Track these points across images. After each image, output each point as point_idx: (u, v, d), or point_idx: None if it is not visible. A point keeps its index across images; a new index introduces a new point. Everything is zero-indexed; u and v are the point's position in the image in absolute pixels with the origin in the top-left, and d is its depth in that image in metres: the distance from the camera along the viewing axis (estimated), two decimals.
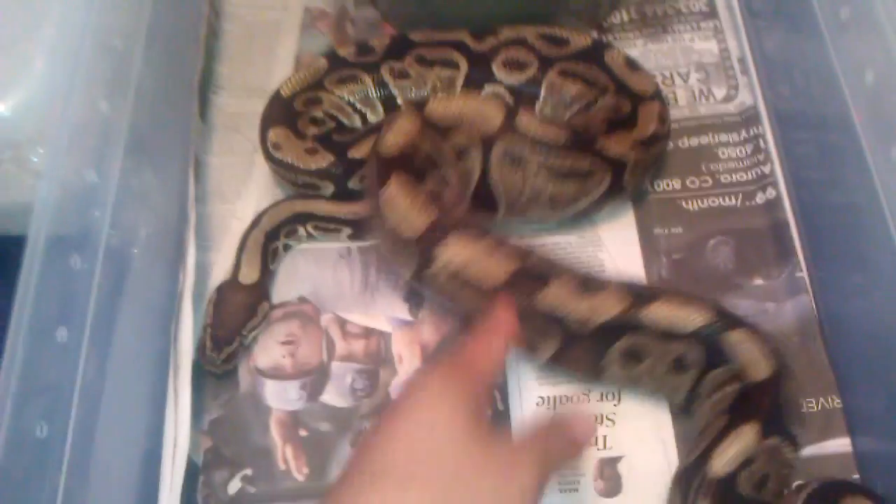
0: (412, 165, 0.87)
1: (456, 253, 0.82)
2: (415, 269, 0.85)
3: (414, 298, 0.94)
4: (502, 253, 0.83)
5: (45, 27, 0.85)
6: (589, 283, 0.82)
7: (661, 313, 0.81)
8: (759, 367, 0.79)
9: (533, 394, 0.89)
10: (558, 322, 0.81)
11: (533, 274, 0.82)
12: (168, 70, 0.98)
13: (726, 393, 0.80)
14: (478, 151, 0.91)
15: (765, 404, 0.78)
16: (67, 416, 0.73)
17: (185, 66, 1.02)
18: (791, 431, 0.79)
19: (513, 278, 0.81)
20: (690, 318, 0.81)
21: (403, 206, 0.83)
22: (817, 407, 0.87)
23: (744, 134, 1.03)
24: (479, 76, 1.03)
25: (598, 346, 0.82)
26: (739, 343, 0.80)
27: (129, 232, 0.87)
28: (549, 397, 0.89)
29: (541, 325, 0.82)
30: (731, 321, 0.81)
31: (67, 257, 0.77)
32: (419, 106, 0.92)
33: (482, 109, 0.91)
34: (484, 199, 0.93)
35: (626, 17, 1.15)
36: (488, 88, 1.03)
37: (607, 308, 0.80)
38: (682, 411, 0.86)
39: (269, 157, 0.98)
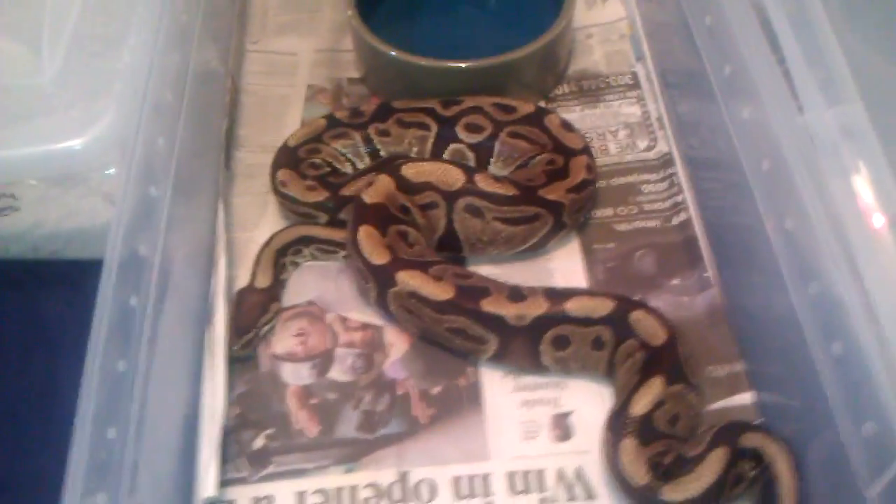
0: (384, 214, 1.11)
1: (411, 276, 1.05)
2: (379, 289, 1.08)
3: None
4: (448, 276, 1.07)
5: (118, 74, 1.09)
6: (519, 292, 1.06)
7: (578, 305, 1.03)
8: (657, 335, 1.01)
9: (502, 381, 1.09)
10: (499, 321, 1.03)
11: (475, 288, 1.06)
12: (202, 130, 1.21)
13: (636, 359, 1.01)
14: (443, 204, 1.14)
15: (666, 361, 0.99)
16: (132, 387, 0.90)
17: (213, 128, 1.27)
18: (690, 380, 1.00)
19: (460, 291, 1.04)
20: (600, 306, 1.04)
21: (371, 245, 1.07)
22: (724, 371, 1.07)
23: (662, 174, 1.27)
24: (445, 136, 1.27)
25: (533, 337, 1.04)
26: (640, 320, 1.03)
27: (172, 251, 1.08)
28: (518, 384, 1.08)
29: (484, 325, 1.04)
30: (631, 304, 1.04)
31: (131, 276, 0.96)
32: (396, 165, 1.15)
33: (447, 171, 1.15)
34: (450, 242, 1.16)
35: (567, 90, 1.40)
36: (453, 146, 1.27)
37: (536, 307, 1.03)
38: (605, 378, 1.06)
39: (277, 192, 1.22)
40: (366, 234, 1.09)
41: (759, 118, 0.97)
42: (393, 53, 1.31)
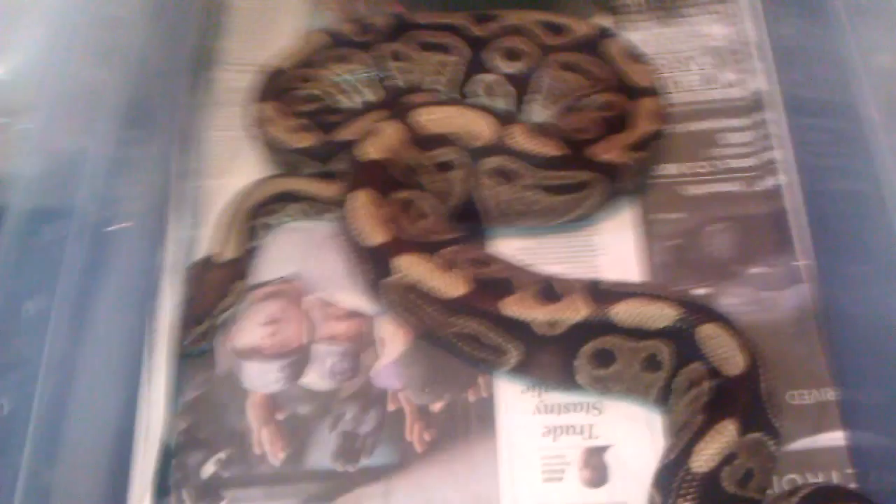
0: (387, 175, 0.87)
1: (413, 263, 0.81)
2: (372, 277, 0.85)
3: None
4: (463, 263, 0.83)
5: None
6: (554, 288, 0.82)
7: (629, 311, 0.79)
8: (733, 361, 0.77)
9: (521, 399, 0.86)
10: (523, 328, 0.79)
11: (495, 281, 0.82)
12: (170, 44, 0.97)
13: (702, 389, 0.78)
14: (465, 164, 0.90)
15: (743, 399, 0.76)
16: (32, 393, 0.72)
17: (185, 42, 1.01)
18: (773, 425, 0.76)
19: (475, 286, 0.80)
20: (659, 314, 0.79)
21: (365, 218, 0.83)
22: (810, 399, 0.84)
23: (751, 119, 1.01)
24: (477, 63, 1.02)
25: (567, 349, 0.81)
26: (711, 338, 0.78)
27: (112, 206, 0.85)
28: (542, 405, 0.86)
29: (505, 331, 0.81)
30: (701, 315, 0.80)
31: (42, 230, 0.76)
32: (408, 108, 0.91)
33: (472, 120, 0.90)
34: (470, 210, 0.92)
35: (636, 0, 1.12)
36: (485, 76, 1.01)
37: (574, 310, 0.79)
38: (656, 408, 0.83)
39: (257, 132, 0.97)
40: (360, 202, 0.84)
41: None
42: None
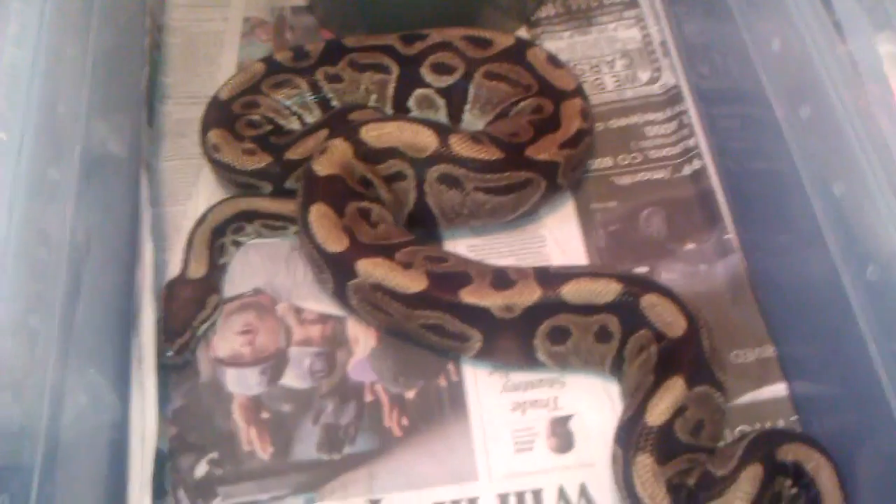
0: (340, 188, 0.93)
1: (374, 265, 0.87)
2: (337, 282, 0.90)
3: None
4: (419, 261, 0.89)
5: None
6: (508, 275, 0.88)
7: (578, 290, 0.86)
8: (676, 324, 0.84)
9: (489, 380, 0.92)
10: (483, 314, 0.86)
11: (453, 274, 0.88)
12: (117, 81, 1.01)
13: (650, 353, 0.85)
14: (412, 175, 0.95)
15: (687, 357, 0.83)
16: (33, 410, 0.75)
17: (132, 77, 1.06)
18: (718, 378, 0.84)
19: (434, 280, 0.86)
20: (605, 289, 0.86)
21: (325, 229, 0.89)
22: (753, 357, 0.91)
23: (669, 112, 1.09)
24: (409, 80, 1.07)
25: (525, 330, 0.87)
26: (654, 305, 0.85)
27: (86, 234, 0.89)
28: (508, 384, 0.92)
29: (466, 319, 0.87)
30: (643, 287, 0.87)
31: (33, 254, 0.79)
32: (354, 127, 0.96)
33: (415, 133, 0.95)
34: (422, 216, 0.97)
35: (552, 11, 1.20)
36: (419, 91, 1.07)
37: (528, 294, 0.85)
38: (612, 376, 0.90)
39: (210, 159, 1.02)
40: (318, 214, 0.90)
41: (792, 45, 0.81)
42: None
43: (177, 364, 0.91)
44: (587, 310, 0.86)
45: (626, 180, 1.04)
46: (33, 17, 0.85)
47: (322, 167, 0.93)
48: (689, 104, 1.08)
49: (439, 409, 0.90)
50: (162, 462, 0.86)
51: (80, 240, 0.85)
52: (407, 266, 0.88)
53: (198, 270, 0.95)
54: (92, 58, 0.93)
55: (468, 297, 0.86)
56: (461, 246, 0.99)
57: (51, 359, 0.77)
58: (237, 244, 1.00)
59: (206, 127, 1.03)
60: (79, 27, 0.93)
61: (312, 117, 1.08)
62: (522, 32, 1.18)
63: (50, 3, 0.87)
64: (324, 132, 1.00)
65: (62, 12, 0.89)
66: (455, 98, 1.06)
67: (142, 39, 1.09)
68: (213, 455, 0.88)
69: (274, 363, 0.93)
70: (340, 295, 0.92)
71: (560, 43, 1.16)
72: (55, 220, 0.82)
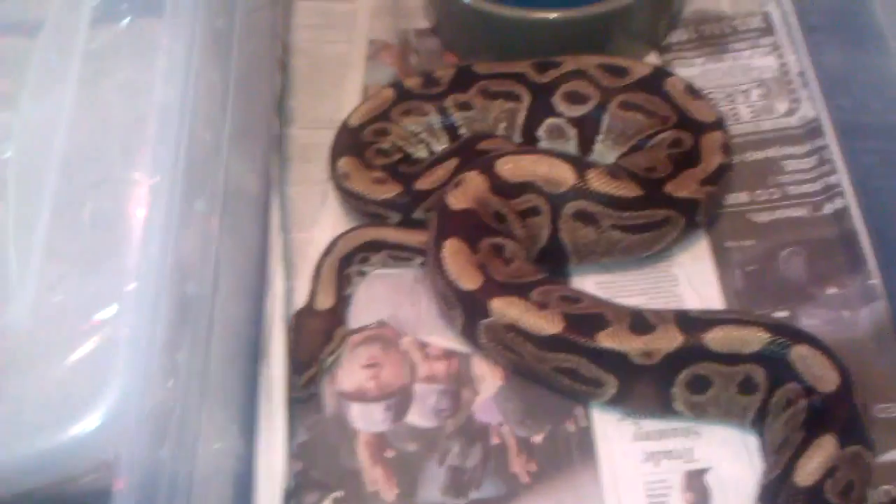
0: (474, 223, 0.91)
1: (509, 305, 0.85)
2: (468, 319, 0.88)
3: None
4: (554, 301, 0.86)
5: None
6: (644, 319, 0.84)
7: (722, 338, 0.82)
8: (827, 378, 0.80)
9: (619, 427, 0.89)
10: (621, 359, 0.82)
11: (589, 316, 0.85)
12: (251, 107, 1.00)
13: (799, 407, 0.80)
14: (547, 210, 0.93)
15: (840, 414, 0.79)
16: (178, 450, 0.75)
17: (264, 102, 1.05)
18: (869, 437, 0.79)
19: (570, 322, 0.84)
20: (751, 338, 0.82)
21: (459, 265, 0.87)
22: None
23: (808, 146, 1.04)
24: (541, 109, 1.04)
25: (664, 377, 0.84)
26: (804, 358, 0.81)
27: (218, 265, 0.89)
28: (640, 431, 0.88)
29: (602, 363, 0.84)
30: (791, 337, 0.82)
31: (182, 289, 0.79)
32: (489, 160, 0.94)
33: (552, 167, 0.93)
34: (553, 252, 0.95)
35: (683, 37, 1.16)
36: (550, 121, 1.04)
37: (668, 340, 0.82)
38: (753, 430, 0.86)
39: (339, 187, 1.01)
40: (452, 250, 0.88)
41: None
42: (469, 1, 1.09)
43: (303, 398, 0.90)
44: (732, 359, 0.82)
45: (763, 217, 0.99)
46: (181, 53, 0.85)
47: (457, 201, 0.91)
48: (830, 138, 1.03)
49: (567, 456, 0.87)
50: (287, 498, 0.85)
51: (219, 271, 0.85)
52: (542, 306, 0.85)
53: (326, 302, 0.94)
54: (233, 86, 0.93)
55: (606, 340, 0.83)
56: (589, 283, 0.96)
57: (192, 394, 0.77)
58: (362, 274, 0.99)
59: (336, 154, 1.02)
60: (221, 57, 0.92)
61: (440, 145, 1.06)
62: (653, 58, 1.14)
63: (198, 38, 0.87)
64: (454, 162, 0.98)
65: (207, 46, 0.89)
66: (587, 128, 1.03)
67: (273, 63, 1.08)
68: (338, 494, 0.86)
69: (399, 399, 0.91)
70: (470, 333, 0.90)
71: (692, 70, 1.12)
72: (200, 253, 0.82)
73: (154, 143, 0.83)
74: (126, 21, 0.92)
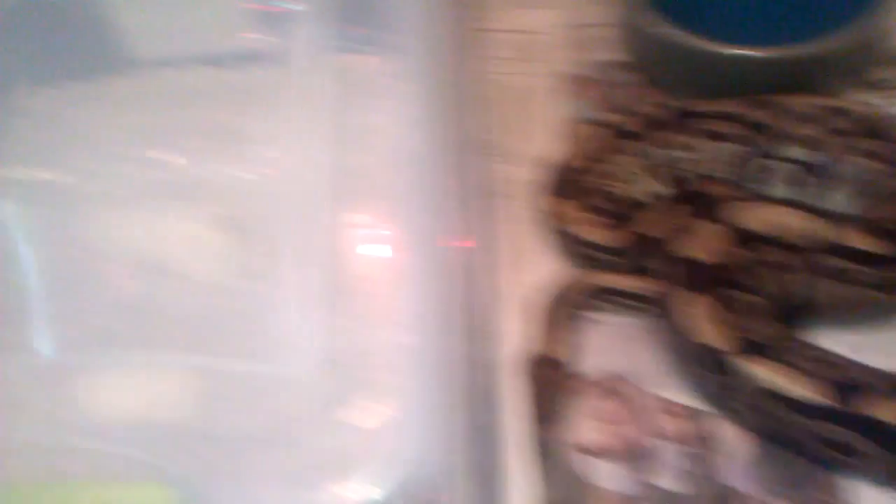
0: (715, 276, 0.85)
1: (768, 369, 0.80)
2: (713, 379, 0.84)
3: None
4: (816, 366, 0.80)
5: None
6: None
7: None
8: None
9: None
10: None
11: (857, 383, 0.79)
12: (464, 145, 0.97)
13: None
14: (799, 265, 0.88)
15: None
16: None
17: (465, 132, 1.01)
18: None
19: (837, 390, 0.78)
20: None
21: (707, 322, 0.82)
22: None
23: None
24: (770, 153, 0.99)
25: None
26: None
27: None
28: None
29: (872, 436, 0.78)
30: None
31: None
32: (730, 209, 0.89)
33: (794, 221, 0.88)
34: (802, 311, 0.90)
35: (887, 74, 1.11)
36: (773, 164, 0.99)
37: None
38: None
39: (556, 230, 0.97)
40: (699, 305, 0.83)
41: None
42: (677, 36, 1.06)
43: (542, 452, 0.85)
44: None
45: None
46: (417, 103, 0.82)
47: (704, 253, 0.86)
48: None
49: None
50: None
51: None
52: (801, 371, 0.80)
53: (563, 352, 0.89)
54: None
55: (879, 412, 0.77)
56: (842, 345, 0.89)
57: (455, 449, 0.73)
58: (591, 322, 0.94)
59: (552, 195, 0.98)
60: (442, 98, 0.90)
61: (661, 187, 1.01)
62: (863, 96, 1.09)
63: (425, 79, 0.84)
64: (685, 208, 0.93)
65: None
66: (822, 175, 0.97)
67: (477, 99, 1.04)
68: None
69: (644, 458, 0.86)
70: (719, 394, 0.84)
71: None
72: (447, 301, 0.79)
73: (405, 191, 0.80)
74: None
